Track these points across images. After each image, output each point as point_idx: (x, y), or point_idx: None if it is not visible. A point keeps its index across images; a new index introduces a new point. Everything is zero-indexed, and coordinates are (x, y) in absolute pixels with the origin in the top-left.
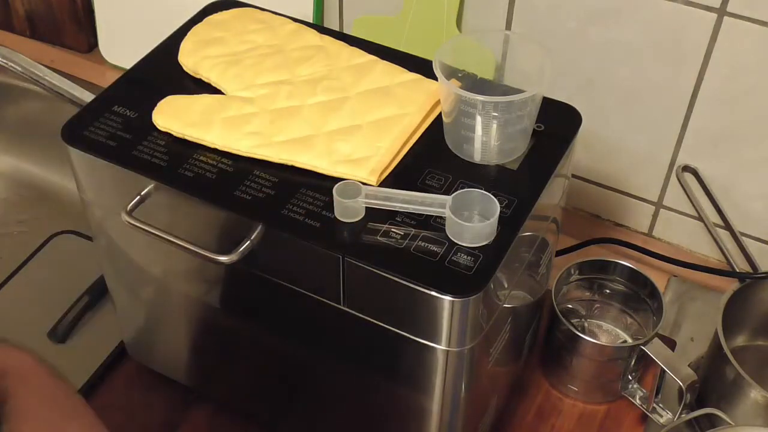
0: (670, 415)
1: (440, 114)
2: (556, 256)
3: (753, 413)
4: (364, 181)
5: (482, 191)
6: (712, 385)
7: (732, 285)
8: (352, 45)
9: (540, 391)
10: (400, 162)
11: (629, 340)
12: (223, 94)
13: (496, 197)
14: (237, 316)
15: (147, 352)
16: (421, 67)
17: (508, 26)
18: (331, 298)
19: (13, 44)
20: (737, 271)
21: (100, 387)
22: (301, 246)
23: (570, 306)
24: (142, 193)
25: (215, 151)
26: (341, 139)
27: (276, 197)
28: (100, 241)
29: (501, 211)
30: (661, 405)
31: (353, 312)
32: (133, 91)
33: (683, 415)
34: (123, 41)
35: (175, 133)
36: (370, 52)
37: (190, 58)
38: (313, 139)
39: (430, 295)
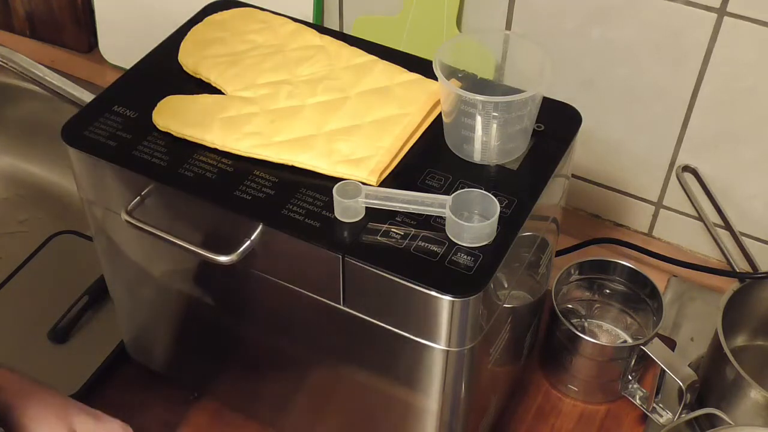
0: (670, 415)
1: (440, 114)
2: (556, 256)
3: (753, 413)
4: (364, 181)
5: (482, 191)
6: (712, 385)
7: (732, 285)
8: (352, 45)
9: (540, 391)
10: (400, 162)
11: (629, 340)
12: (223, 94)
13: (496, 197)
14: (237, 316)
15: (147, 352)
16: (421, 67)
17: (508, 26)
18: (331, 298)
19: (13, 44)
20: (737, 271)
21: (100, 387)
22: (301, 246)
23: (570, 306)
24: (142, 193)
25: (215, 151)
26: (341, 139)
27: (276, 197)
28: (100, 241)
29: (501, 211)
30: (661, 405)
31: (353, 312)
32: (133, 91)
33: (683, 415)
34: (123, 41)
35: (175, 133)
36: (370, 52)
37: (190, 58)
38: (313, 139)
39: (430, 295)
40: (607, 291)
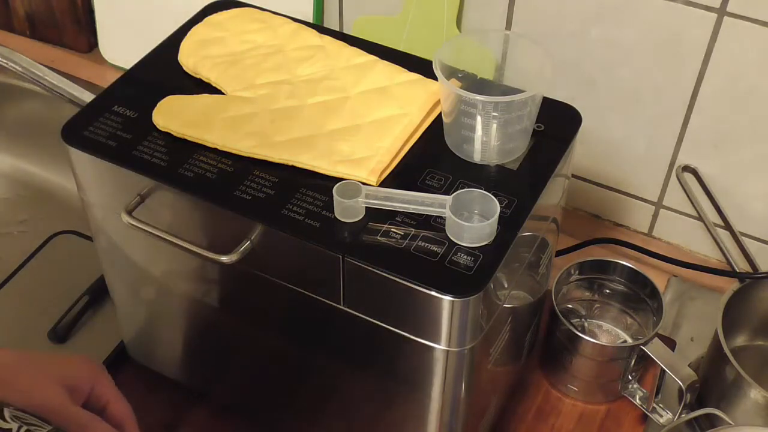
0: (670, 415)
1: (440, 114)
2: (556, 256)
3: (753, 413)
4: (364, 181)
5: (482, 191)
6: (712, 385)
7: (732, 285)
8: (352, 45)
9: (540, 391)
10: (400, 162)
11: (629, 340)
12: (223, 94)
13: (496, 197)
14: (237, 316)
15: (147, 352)
16: (421, 67)
17: (508, 26)
18: (331, 298)
19: (13, 44)
20: (737, 271)
21: None
22: (301, 246)
23: (570, 306)
24: (142, 193)
25: (215, 151)
26: (341, 139)
27: (276, 197)
28: (100, 241)
29: (501, 211)
30: (661, 405)
31: (353, 312)
32: (133, 91)
33: (683, 415)
34: (123, 41)
35: (175, 133)
36: (370, 52)
37: (190, 58)
38: (313, 139)
39: (430, 295)
40: (607, 291)
